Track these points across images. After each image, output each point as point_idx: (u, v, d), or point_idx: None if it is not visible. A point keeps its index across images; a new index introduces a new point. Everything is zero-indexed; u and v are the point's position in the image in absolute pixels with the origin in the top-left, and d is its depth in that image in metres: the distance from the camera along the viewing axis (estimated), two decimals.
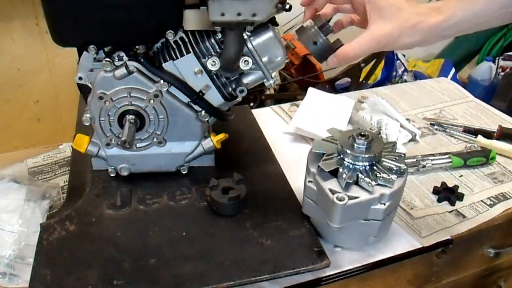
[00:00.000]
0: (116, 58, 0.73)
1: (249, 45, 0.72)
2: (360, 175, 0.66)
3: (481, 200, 0.87)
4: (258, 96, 1.70)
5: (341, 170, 0.67)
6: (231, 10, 0.65)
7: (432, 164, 0.92)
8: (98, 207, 0.77)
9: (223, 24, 0.68)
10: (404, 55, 2.03)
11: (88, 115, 0.77)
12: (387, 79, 2.01)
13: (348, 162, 0.68)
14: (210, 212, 0.77)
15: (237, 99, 0.80)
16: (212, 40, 0.73)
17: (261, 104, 1.66)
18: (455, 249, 0.82)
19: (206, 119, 0.80)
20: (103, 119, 0.77)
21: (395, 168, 0.68)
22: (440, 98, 1.21)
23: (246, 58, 0.72)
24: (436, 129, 1.07)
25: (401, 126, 1.04)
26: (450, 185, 0.88)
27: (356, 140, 0.68)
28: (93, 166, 0.84)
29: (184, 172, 0.84)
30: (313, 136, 0.99)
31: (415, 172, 0.92)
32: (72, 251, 0.69)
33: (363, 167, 0.67)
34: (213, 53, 0.73)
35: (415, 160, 0.92)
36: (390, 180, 0.66)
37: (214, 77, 0.76)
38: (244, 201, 0.77)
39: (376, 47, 0.62)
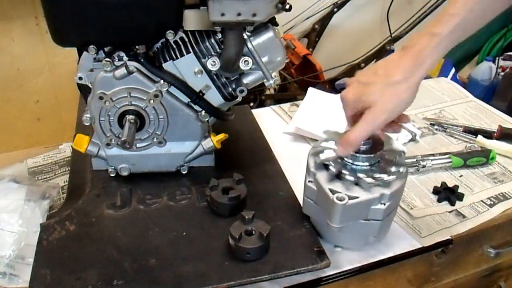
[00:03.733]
0: (116, 58, 0.73)
1: (249, 45, 0.72)
2: (360, 175, 0.66)
3: (481, 200, 0.87)
4: (258, 96, 1.69)
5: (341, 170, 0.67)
6: (231, 10, 0.65)
7: (432, 164, 0.92)
8: (98, 207, 0.77)
9: (223, 24, 0.68)
10: None
11: (88, 115, 0.77)
12: None
13: (348, 162, 0.68)
14: (210, 212, 0.77)
15: (237, 99, 0.80)
16: (212, 40, 0.73)
17: (261, 104, 1.66)
18: (455, 249, 0.82)
19: (206, 119, 0.80)
20: (103, 119, 0.77)
21: (394, 169, 0.68)
22: (440, 98, 1.21)
23: (246, 58, 0.72)
24: (436, 129, 1.07)
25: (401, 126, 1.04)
26: (450, 185, 0.88)
27: None
28: (93, 166, 0.84)
29: (184, 172, 0.84)
30: (313, 136, 0.99)
31: (415, 172, 0.92)
32: (72, 251, 0.69)
33: (363, 167, 0.67)
34: (213, 53, 0.73)
35: (415, 160, 0.92)
36: (390, 181, 0.66)
37: (214, 77, 0.76)
38: (244, 201, 0.77)
39: (375, 127, 0.64)
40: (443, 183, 0.89)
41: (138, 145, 0.80)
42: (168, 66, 0.74)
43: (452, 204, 0.85)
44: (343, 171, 0.67)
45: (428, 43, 0.61)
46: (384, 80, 0.62)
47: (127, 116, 0.76)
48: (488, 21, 0.63)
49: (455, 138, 1.05)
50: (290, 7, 0.69)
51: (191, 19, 0.71)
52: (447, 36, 0.61)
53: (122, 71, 0.73)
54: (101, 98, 0.74)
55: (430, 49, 0.61)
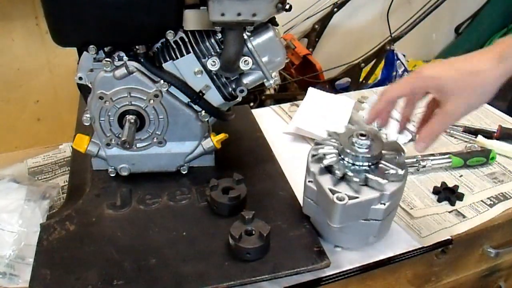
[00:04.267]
0: (116, 58, 0.73)
1: (249, 45, 0.72)
2: (360, 175, 0.66)
3: (481, 200, 0.87)
4: (258, 96, 1.69)
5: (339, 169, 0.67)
6: (231, 10, 0.65)
7: (432, 164, 0.92)
8: (98, 207, 0.77)
9: (223, 24, 0.68)
10: (404, 55, 2.03)
11: (88, 115, 0.77)
12: (387, 79, 2.01)
13: (348, 162, 0.68)
14: (210, 212, 0.77)
15: (237, 99, 0.80)
16: (212, 40, 0.73)
17: (261, 104, 1.66)
18: (455, 249, 0.82)
19: (206, 119, 0.80)
20: (103, 119, 0.77)
21: (394, 169, 0.68)
22: None
23: (246, 58, 0.72)
24: None
25: None
26: (450, 185, 0.88)
27: (356, 140, 0.68)
28: (93, 166, 0.84)
29: (184, 172, 0.84)
30: (313, 136, 0.99)
31: (415, 172, 0.92)
32: (72, 251, 0.69)
33: (363, 167, 0.67)
34: (213, 53, 0.73)
35: (415, 160, 0.92)
36: (389, 181, 0.66)
37: (214, 77, 0.76)
38: (244, 201, 0.77)
39: (452, 121, 0.62)
40: (443, 183, 0.89)
41: (138, 145, 0.80)
42: (168, 66, 0.74)
43: (452, 204, 0.85)
44: (343, 171, 0.67)
45: None
46: (465, 68, 0.59)
47: (127, 116, 0.76)
48: None
49: (455, 138, 1.05)
50: (290, 7, 0.69)
51: (191, 19, 0.71)
52: None
53: (122, 71, 0.73)
54: (101, 98, 0.74)
55: None
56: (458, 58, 0.61)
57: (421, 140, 0.63)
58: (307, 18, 1.87)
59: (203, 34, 0.73)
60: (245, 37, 0.71)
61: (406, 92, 0.63)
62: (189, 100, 0.77)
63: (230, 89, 0.78)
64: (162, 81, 0.74)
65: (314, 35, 1.94)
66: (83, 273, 0.66)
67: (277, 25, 0.75)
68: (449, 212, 0.84)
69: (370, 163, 0.67)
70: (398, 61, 2.03)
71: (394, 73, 2.02)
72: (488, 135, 1.02)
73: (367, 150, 0.67)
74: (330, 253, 0.70)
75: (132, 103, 0.75)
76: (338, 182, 0.67)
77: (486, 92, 0.60)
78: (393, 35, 1.81)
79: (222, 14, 0.65)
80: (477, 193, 0.89)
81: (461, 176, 0.93)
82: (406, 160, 0.72)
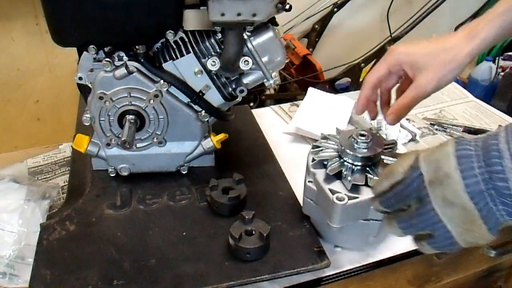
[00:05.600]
0: (116, 58, 0.73)
1: (249, 45, 0.72)
2: (360, 175, 0.66)
3: None
4: (258, 96, 1.70)
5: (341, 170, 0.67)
6: (231, 10, 0.65)
7: None
8: (98, 207, 0.77)
9: (223, 24, 0.68)
10: None
11: (88, 115, 0.77)
12: None
13: (348, 161, 0.68)
14: (210, 212, 0.77)
15: (237, 99, 0.80)
16: (212, 40, 0.73)
17: (261, 104, 1.66)
18: None
19: (206, 119, 0.80)
20: (103, 119, 0.77)
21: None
22: (440, 98, 1.21)
23: (246, 58, 0.72)
24: (436, 129, 1.07)
25: (401, 126, 1.04)
26: None
27: (356, 140, 0.68)
28: (93, 166, 0.84)
29: (184, 172, 0.84)
30: (313, 136, 0.99)
31: None
32: (72, 251, 0.69)
33: (363, 167, 0.67)
34: (213, 53, 0.73)
35: None
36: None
37: (214, 77, 0.76)
38: (244, 201, 0.77)
39: (423, 95, 0.66)
40: None
41: (138, 145, 0.80)
42: (168, 66, 0.74)
43: None
44: (343, 171, 0.67)
45: (483, 18, 0.63)
46: (437, 45, 0.63)
47: (127, 116, 0.76)
48: None
49: None
50: (290, 7, 0.69)
51: (191, 19, 0.71)
52: (500, 14, 0.62)
53: (122, 71, 0.73)
54: (101, 98, 0.74)
55: (484, 23, 0.62)
56: (431, 39, 0.66)
57: (393, 112, 0.68)
58: (307, 18, 1.87)
59: (203, 34, 0.73)
60: (245, 37, 0.71)
61: (384, 71, 0.66)
62: (189, 100, 0.77)
63: (230, 89, 0.78)
64: (162, 81, 0.74)
65: (314, 35, 1.94)
66: (83, 273, 0.66)
67: (277, 25, 0.75)
68: None
69: (370, 163, 0.67)
70: None
71: None
72: None
73: (366, 150, 0.67)
74: (330, 253, 0.70)
75: (132, 103, 0.75)
76: (333, 179, 0.67)
77: (456, 67, 0.64)
78: (393, 35, 1.81)
79: (222, 14, 0.65)
80: None
81: None
82: None
